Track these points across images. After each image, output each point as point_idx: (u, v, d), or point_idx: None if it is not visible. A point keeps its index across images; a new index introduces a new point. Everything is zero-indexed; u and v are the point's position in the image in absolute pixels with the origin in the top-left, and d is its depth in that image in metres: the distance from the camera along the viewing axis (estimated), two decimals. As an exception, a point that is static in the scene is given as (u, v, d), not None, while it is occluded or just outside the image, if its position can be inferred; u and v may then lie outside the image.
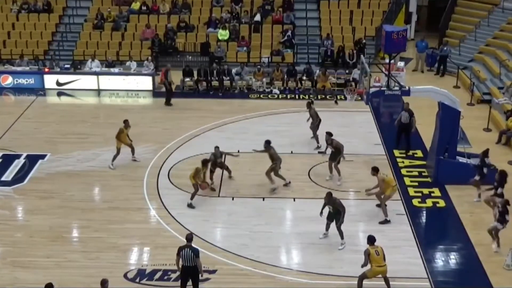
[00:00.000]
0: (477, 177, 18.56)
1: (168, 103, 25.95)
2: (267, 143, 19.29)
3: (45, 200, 18.80)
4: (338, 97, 26.06)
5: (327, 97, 26.37)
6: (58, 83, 27.74)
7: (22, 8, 32.29)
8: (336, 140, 19.54)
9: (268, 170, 19.08)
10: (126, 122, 20.94)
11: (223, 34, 30.40)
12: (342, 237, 16.46)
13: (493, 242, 16.40)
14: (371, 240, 14.56)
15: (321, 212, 16.71)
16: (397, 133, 22.08)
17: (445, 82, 27.75)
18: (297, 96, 26.82)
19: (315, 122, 22.06)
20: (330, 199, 16.42)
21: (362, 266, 14.38)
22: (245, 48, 29.96)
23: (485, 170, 18.60)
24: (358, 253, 15.57)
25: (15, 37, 30.98)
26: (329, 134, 19.67)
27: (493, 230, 16.34)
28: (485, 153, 18.86)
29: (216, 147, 19.57)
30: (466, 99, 25.92)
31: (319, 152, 21.47)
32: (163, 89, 27.14)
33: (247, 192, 19.25)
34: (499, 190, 17.39)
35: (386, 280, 14.61)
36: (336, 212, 16.36)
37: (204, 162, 18.66)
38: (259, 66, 27.89)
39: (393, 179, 18.37)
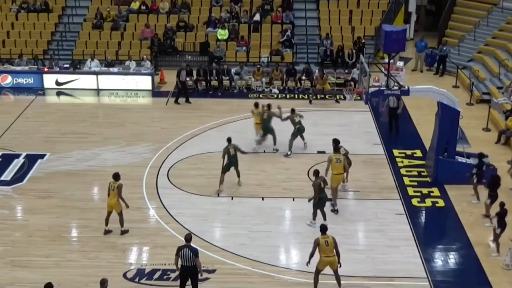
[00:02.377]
0: (474, 179, 18.53)
1: (187, 101, 26.04)
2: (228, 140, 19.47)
3: (44, 199, 18.80)
4: (338, 96, 26.08)
5: (326, 96, 26.36)
6: (57, 83, 27.73)
7: (21, 7, 32.28)
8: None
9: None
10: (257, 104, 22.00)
11: (223, 33, 30.39)
12: (313, 217, 17.20)
13: (493, 245, 16.43)
14: (322, 229, 14.54)
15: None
16: (389, 119, 23.06)
17: (445, 82, 27.77)
18: (296, 96, 26.81)
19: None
20: (314, 177, 17.08)
21: (310, 257, 14.37)
22: (244, 48, 29.96)
23: (483, 168, 18.59)
24: (357, 252, 15.64)
25: (14, 36, 30.96)
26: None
27: (495, 238, 16.36)
28: (482, 155, 18.83)
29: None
30: (465, 98, 25.94)
31: (318, 152, 21.46)
32: (163, 89, 27.23)
33: (246, 191, 19.25)
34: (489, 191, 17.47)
35: (337, 275, 14.57)
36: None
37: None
38: (258, 66, 27.88)
39: (341, 168, 18.04)
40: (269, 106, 21.82)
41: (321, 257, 14.42)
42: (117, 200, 16.67)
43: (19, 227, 17.52)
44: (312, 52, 30.14)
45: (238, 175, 19.52)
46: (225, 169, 19.11)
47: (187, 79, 27.17)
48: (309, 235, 16.84)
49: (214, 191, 18.99)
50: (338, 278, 14.69)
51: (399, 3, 32.53)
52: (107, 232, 16.97)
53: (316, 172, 17.23)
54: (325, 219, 16.98)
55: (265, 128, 21.57)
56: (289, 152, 21.34)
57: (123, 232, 16.92)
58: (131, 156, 21.41)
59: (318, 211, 17.23)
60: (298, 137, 21.47)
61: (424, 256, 16.21)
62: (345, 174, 18.85)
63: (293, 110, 21.69)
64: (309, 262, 14.48)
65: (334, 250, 14.39)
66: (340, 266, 14.54)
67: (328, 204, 17.68)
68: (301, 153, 21.51)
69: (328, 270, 14.83)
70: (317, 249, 14.38)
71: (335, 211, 17.98)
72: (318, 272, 14.58)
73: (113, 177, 16.79)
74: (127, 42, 30.50)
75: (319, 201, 17.11)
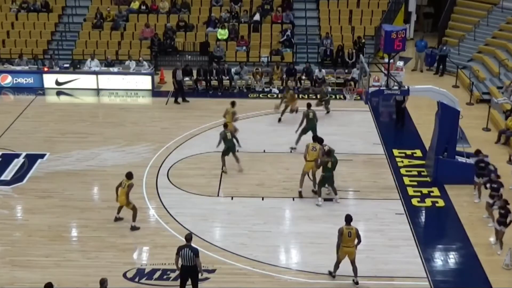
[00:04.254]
0: (481, 180, 18.49)
1: (184, 100, 26.06)
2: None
3: (44, 199, 18.80)
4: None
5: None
6: (57, 83, 27.73)
7: (22, 7, 32.27)
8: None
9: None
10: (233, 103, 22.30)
11: (222, 33, 30.39)
12: (319, 195, 18.48)
13: (496, 243, 16.45)
14: (347, 220, 14.85)
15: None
16: (396, 111, 23.94)
17: (445, 82, 27.76)
18: (296, 96, 26.77)
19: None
20: (325, 155, 18.39)
21: (337, 248, 14.78)
22: (244, 48, 29.95)
23: (490, 167, 18.60)
24: (357, 252, 15.52)
25: (14, 36, 30.95)
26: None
27: (499, 237, 16.35)
28: (477, 152, 18.87)
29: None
30: (465, 98, 25.93)
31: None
32: (162, 89, 27.23)
33: (246, 191, 19.25)
34: (501, 191, 17.42)
35: (354, 266, 14.85)
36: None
37: None
38: (257, 69, 27.84)
39: (315, 156, 18.48)
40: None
41: (341, 246, 14.71)
42: (126, 197, 17.05)
43: (19, 227, 17.52)
44: (312, 52, 30.13)
45: (237, 160, 20.25)
46: (224, 153, 20.09)
47: (187, 78, 27.19)
48: (309, 235, 16.91)
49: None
50: (355, 269, 14.92)
51: (399, 3, 32.51)
52: (117, 219, 17.45)
53: (328, 152, 18.30)
54: (335, 194, 18.49)
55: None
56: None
57: (133, 228, 17.09)
58: (131, 156, 21.41)
59: (326, 189, 18.54)
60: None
61: (424, 256, 16.21)
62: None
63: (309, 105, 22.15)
64: (338, 252, 14.84)
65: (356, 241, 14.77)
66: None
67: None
68: (301, 153, 21.46)
69: (322, 270, 15.00)
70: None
71: (298, 193, 18.73)
72: (338, 261, 14.91)
73: (126, 176, 17.19)
74: (127, 42, 30.50)
75: (322, 179, 18.27)
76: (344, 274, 15.13)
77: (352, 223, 14.84)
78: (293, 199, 18.78)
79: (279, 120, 24.14)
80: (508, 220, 16.03)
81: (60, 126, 23.91)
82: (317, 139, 19.22)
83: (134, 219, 17.16)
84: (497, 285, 15.16)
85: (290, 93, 24.35)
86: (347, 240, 14.66)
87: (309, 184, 19.05)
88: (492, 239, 16.65)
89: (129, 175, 17.22)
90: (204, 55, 29.85)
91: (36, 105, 26.05)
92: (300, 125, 21.69)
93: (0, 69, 28.30)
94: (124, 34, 30.92)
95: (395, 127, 23.88)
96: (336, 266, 15.04)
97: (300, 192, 18.77)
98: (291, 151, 21.58)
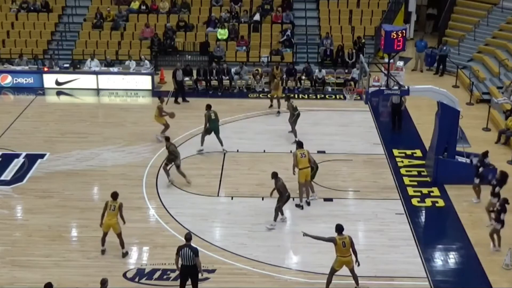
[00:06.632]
0: (476, 180, 18.49)
1: (184, 100, 26.08)
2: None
3: (44, 199, 18.79)
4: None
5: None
6: (57, 83, 27.72)
7: (21, 7, 32.26)
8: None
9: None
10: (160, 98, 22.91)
11: (222, 33, 30.39)
12: (274, 219, 17.34)
13: (492, 243, 16.43)
14: (339, 229, 14.54)
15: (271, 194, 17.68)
16: (391, 115, 23.58)
17: (444, 82, 27.75)
18: (296, 96, 26.79)
19: (293, 117, 22.15)
20: (274, 178, 17.26)
21: (315, 237, 14.68)
22: (244, 48, 29.95)
23: (480, 169, 18.53)
24: (357, 252, 15.55)
25: (14, 36, 30.94)
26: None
27: (494, 233, 16.33)
28: (485, 154, 18.79)
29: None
30: (465, 98, 25.93)
31: (318, 152, 21.45)
32: (163, 89, 27.22)
33: (246, 191, 19.25)
34: (497, 189, 17.37)
35: (353, 274, 14.63)
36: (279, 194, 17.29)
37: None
38: (256, 71, 27.82)
39: (306, 163, 18.09)
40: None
41: (337, 257, 14.45)
42: (117, 221, 15.81)
43: (19, 227, 17.52)
44: (312, 52, 30.12)
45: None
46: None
47: (187, 78, 27.18)
48: (309, 235, 16.89)
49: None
50: (355, 276, 14.71)
51: (399, 3, 32.51)
52: (104, 251, 16.11)
53: (275, 174, 17.36)
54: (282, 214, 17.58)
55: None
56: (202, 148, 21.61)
57: (125, 255, 16.14)
58: (131, 156, 21.41)
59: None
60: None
61: (424, 256, 16.21)
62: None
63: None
64: (306, 234, 14.73)
65: (351, 250, 14.43)
66: (358, 265, 14.54)
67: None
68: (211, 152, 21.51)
69: (322, 270, 14.93)
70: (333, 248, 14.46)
71: (300, 206, 18.33)
72: (333, 271, 14.61)
73: (112, 197, 15.83)
74: (127, 42, 30.50)
75: (286, 199, 17.47)
76: (342, 274, 15.10)
77: (351, 224, 14.81)
78: (293, 199, 18.76)
79: (278, 112, 24.67)
80: (501, 217, 16.03)
81: (60, 126, 23.91)
82: (302, 145, 18.58)
83: (122, 246, 15.98)
84: (497, 285, 15.15)
85: (275, 82, 24.75)
86: (342, 250, 14.33)
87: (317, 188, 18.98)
88: (491, 245, 16.59)
89: (115, 195, 15.80)
90: (204, 55, 29.85)
91: (36, 105, 26.05)
92: (205, 126, 21.39)
93: (0, 69, 28.30)
94: (124, 34, 30.91)
95: (392, 131, 23.53)
96: (329, 281, 14.60)
97: (305, 204, 18.39)
98: (198, 153, 21.41)
